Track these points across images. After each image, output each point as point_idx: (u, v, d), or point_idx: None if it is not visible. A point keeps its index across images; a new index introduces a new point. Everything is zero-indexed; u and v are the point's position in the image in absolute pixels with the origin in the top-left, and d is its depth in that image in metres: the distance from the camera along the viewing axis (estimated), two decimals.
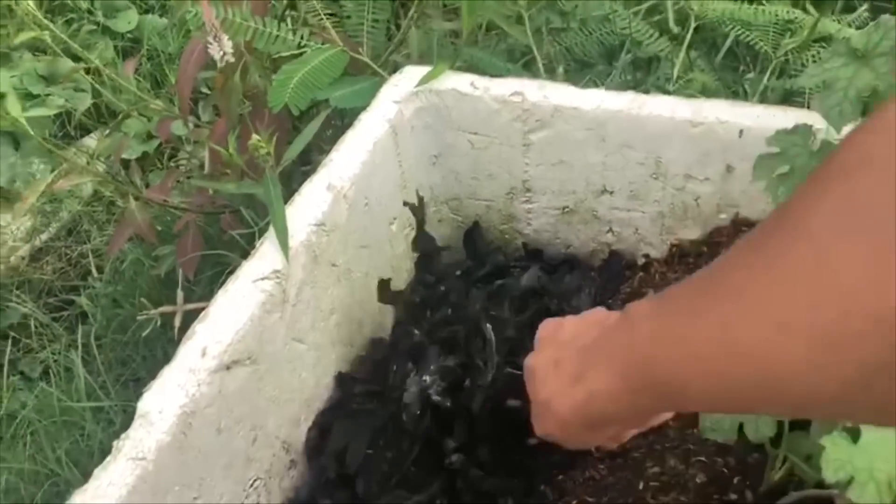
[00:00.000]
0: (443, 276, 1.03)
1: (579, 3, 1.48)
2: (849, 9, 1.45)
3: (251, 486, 0.79)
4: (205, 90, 1.67)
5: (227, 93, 0.99)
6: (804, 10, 1.34)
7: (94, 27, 1.95)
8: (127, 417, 0.68)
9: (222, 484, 0.74)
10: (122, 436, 0.67)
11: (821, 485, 0.67)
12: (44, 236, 1.64)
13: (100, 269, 1.55)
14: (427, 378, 0.85)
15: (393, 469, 0.84)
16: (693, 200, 0.97)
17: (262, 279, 0.78)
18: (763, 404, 0.39)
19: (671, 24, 1.36)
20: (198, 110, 1.64)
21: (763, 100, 1.28)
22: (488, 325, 0.86)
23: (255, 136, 0.81)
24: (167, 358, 0.72)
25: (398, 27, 1.41)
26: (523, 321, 0.91)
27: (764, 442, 0.71)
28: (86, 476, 0.65)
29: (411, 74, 1.01)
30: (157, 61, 1.93)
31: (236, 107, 1.01)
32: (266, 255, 0.80)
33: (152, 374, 0.71)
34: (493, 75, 1.02)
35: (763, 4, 1.38)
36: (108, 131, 1.60)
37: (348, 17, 1.22)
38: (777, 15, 1.32)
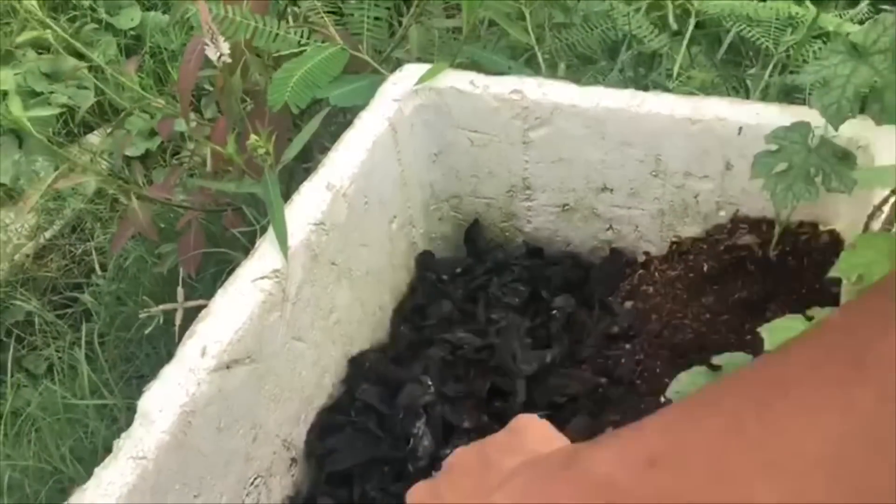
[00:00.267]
0: (443, 273, 1.03)
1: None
2: (851, 4, 1.44)
3: (251, 484, 0.80)
4: (208, 87, 1.67)
5: (228, 92, 1.00)
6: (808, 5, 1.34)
7: (97, 25, 1.96)
8: (130, 415, 0.68)
9: (222, 482, 0.75)
10: (123, 435, 0.67)
11: None
12: (48, 234, 1.65)
13: (103, 267, 1.56)
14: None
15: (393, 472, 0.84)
16: (693, 198, 0.97)
17: (262, 278, 0.78)
18: None
19: (671, 20, 1.35)
20: (200, 107, 1.65)
21: (765, 96, 1.28)
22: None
23: (253, 136, 0.81)
24: (170, 355, 0.72)
25: (400, 24, 1.41)
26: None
27: None
28: (90, 473, 0.65)
29: (411, 72, 1.01)
30: (160, 58, 1.94)
31: (236, 106, 1.01)
32: (265, 254, 0.80)
33: (155, 371, 0.72)
34: (494, 72, 1.02)
35: (764, 0, 1.37)
36: (111, 129, 1.60)
37: (349, 14, 1.22)
38: (779, 10, 1.32)
